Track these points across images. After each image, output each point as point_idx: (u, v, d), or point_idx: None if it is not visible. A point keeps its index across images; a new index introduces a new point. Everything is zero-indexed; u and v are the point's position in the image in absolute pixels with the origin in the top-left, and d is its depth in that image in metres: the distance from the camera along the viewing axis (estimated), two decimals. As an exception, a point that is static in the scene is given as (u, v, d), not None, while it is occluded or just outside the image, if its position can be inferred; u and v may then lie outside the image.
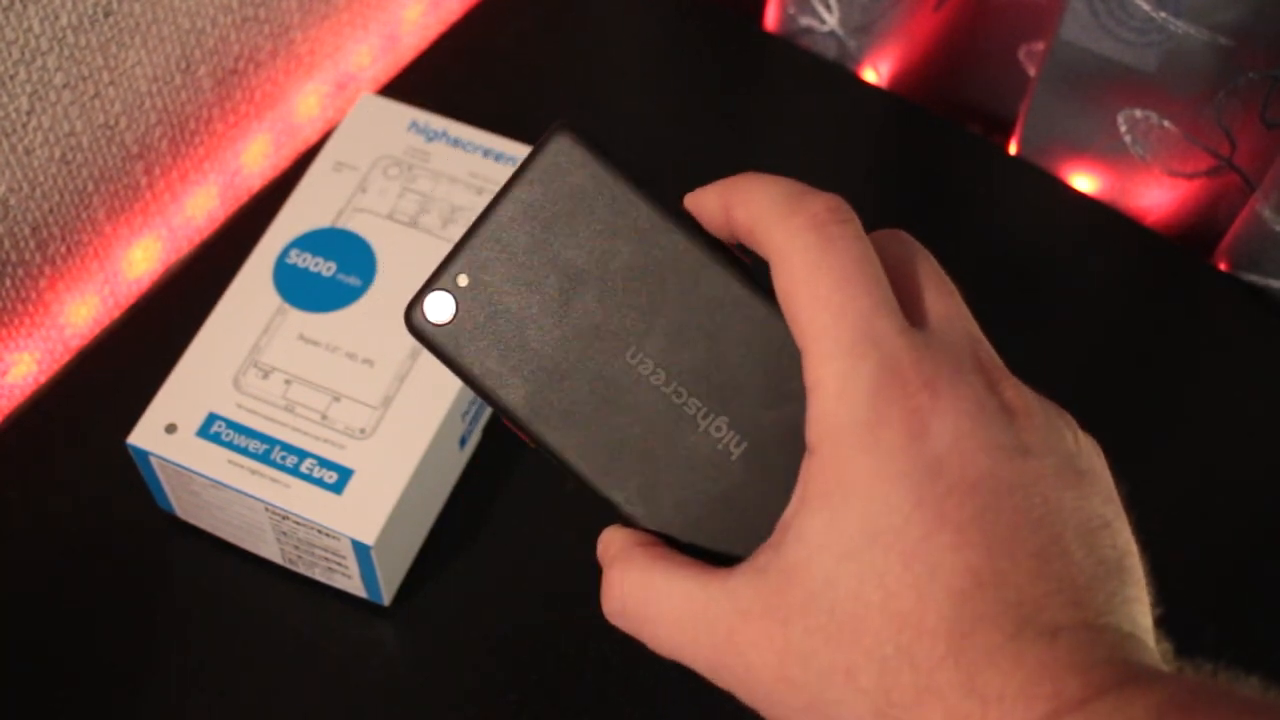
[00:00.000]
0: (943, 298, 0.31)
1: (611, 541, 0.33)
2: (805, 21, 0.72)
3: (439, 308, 0.35)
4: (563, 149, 0.35)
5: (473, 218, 0.58)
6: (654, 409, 0.34)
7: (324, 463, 0.52)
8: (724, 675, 0.30)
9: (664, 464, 0.34)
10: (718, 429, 0.34)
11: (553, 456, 0.35)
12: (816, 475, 0.29)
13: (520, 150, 0.60)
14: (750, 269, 0.35)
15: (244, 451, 0.52)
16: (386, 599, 0.54)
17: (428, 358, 0.54)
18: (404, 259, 0.57)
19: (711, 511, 0.34)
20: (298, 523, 0.51)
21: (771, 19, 0.74)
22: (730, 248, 0.35)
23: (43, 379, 0.62)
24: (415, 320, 0.35)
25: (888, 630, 0.27)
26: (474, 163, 0.59)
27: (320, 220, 0.58)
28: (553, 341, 0.35)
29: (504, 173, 0.59)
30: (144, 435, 0.52)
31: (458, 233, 0.57)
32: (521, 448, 0.59)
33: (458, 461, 0.57)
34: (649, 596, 0.31)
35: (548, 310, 0.35)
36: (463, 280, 0.35)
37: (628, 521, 0.34)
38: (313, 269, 0.57)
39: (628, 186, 0.35)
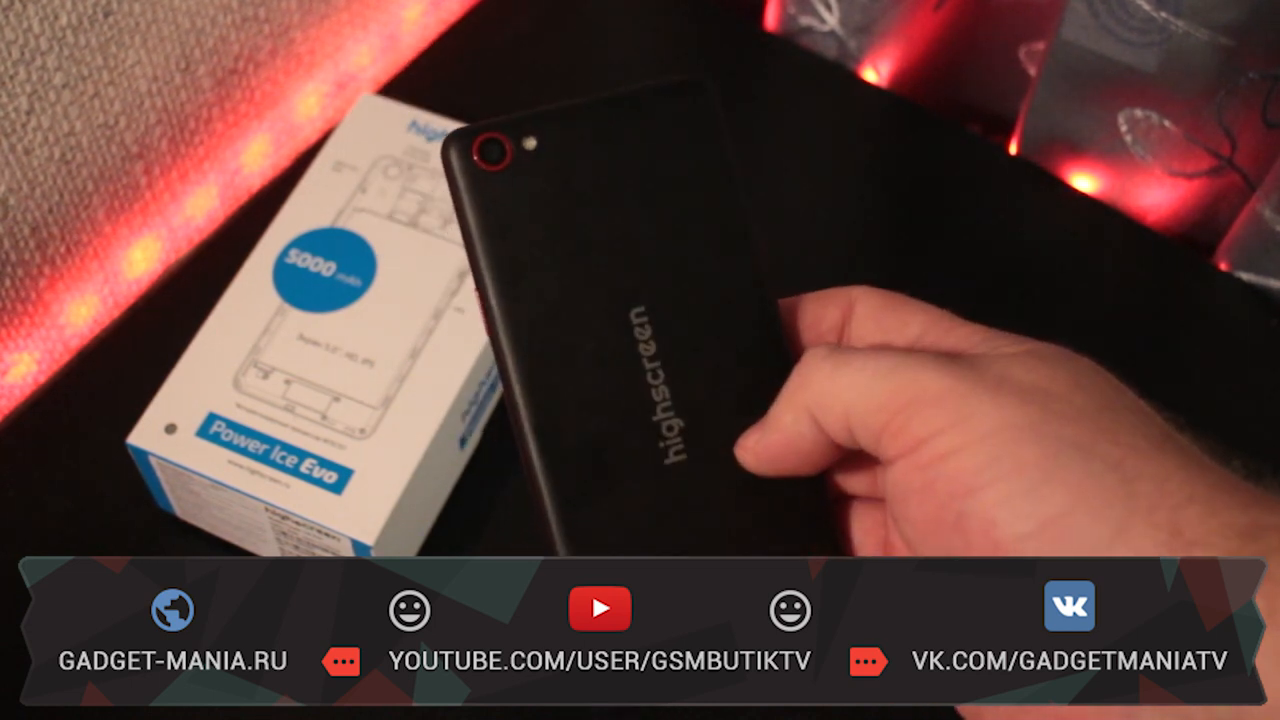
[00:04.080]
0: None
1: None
2: (805, 21, 0.72)
3: (490, 151, 0.32)
4: (697, 93, 0.33)
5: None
6: (622, 369, 0.32)
7: (324, 463, 0.52)
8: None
9: (595, 416, 0.32)
10: (670, 428, 0.33)
11: (494, 343, 0.32)
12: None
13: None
14: (781, 331, 0.34)
15: (244, 451, 0.52)
16: (386, 599, 0.54)
17: (428, 358, 0.54)
18: (404, 259, 0.57)
19: (603, 484, 0.32)
20: (298, 523, 0.51)
21: (771, 19, 0.74)
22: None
23: (43, 379, 0.62)
24: (457, 146, 0.32)
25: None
26: (474, 163, 0.60)
27: (320, 220, 0.58)
28: (572, 249, 0.32)
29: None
30: (144, 435, 0.52)
31: (458, 233, 0.57)
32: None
33: (458, 461, 0.57)
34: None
35: (588, 220, 0.32)
36: (530, 143, 0.33)
37: (518, 438, 0.32)
38: (313, 269, 0.57)
39: (735, 170, 0.33)
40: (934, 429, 0.30)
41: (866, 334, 0.34)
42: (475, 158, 0.32)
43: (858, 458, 0.34)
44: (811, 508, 0.35)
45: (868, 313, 0.34)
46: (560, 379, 0.32)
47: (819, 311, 0.35)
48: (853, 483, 0.35)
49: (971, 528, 0.30)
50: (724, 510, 0.33)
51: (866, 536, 0.36)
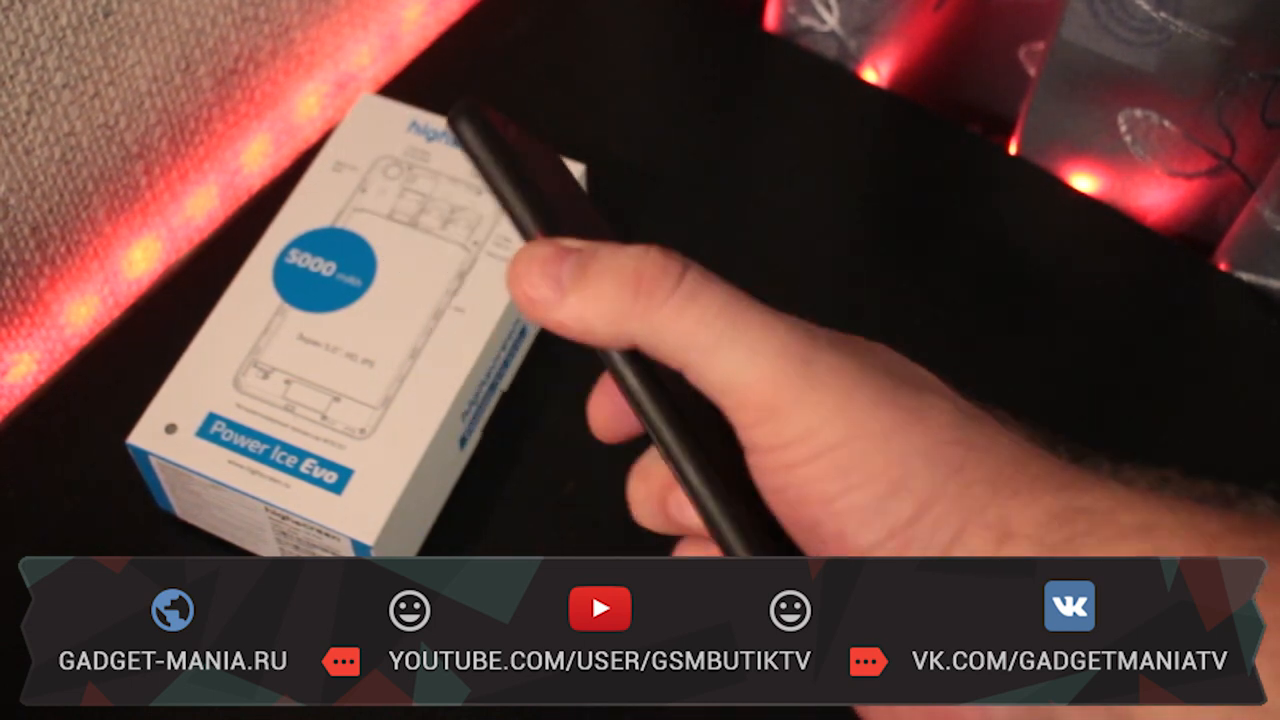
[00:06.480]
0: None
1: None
2: (805, 21, 0.72)
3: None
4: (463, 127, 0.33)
5: (473, 218, 0.58)
6: None
7: (324, 463, 0.52)
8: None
9: None
10: None
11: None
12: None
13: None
14: None
15: (244, 451, 0.52)
16: (386, 599, 0.54)
17: (428, 358, 0.54)
18: (404, 259, 0.57)
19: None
20: (298, 523, 0.51)
21: (771, 19, 0.74)
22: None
23: (43, 379, 0.62)
24: (469, 115, 0.32)
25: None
26: (474, 163, 0.59)
27: (320, 220, 0.58)
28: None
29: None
30: (144, 435, 0.52)
31: (458, 233, 0.57)
32: (521, 448, 0.59)
33: (458, 461, 0.57)
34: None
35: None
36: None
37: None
38: (313, 269, 0.57)
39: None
40: (784, 439, 0.31)
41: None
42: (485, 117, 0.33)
43: None
44: None
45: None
46: None
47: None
48: None
49: (825, 534, 0.31)
50: None
51: None
